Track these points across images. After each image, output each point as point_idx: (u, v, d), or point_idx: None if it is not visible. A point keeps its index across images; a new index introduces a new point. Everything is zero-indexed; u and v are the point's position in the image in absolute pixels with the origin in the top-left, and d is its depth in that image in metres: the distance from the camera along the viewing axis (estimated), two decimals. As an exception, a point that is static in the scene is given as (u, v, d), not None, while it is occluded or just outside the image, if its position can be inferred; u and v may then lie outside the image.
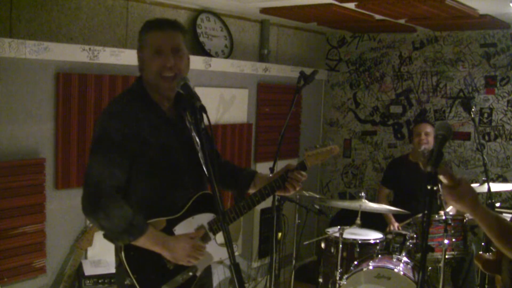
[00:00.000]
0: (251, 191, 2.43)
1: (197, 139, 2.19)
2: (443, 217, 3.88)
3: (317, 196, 4.52)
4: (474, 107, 4.21)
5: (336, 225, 4.27)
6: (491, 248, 3.55)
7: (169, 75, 2.18)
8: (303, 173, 2.37)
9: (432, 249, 1.78)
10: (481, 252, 2.03)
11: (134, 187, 2.19)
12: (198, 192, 2.29)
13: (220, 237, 2.29)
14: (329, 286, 4.06)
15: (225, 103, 4.51)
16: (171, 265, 2.20)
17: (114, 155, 2.12)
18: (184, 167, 2.26)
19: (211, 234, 2.29)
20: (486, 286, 3.78)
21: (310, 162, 2.39)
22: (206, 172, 2.15)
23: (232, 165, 2.59)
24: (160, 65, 2.17)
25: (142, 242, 2.13)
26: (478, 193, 4.65)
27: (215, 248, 2.30)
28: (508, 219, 4.03)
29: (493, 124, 4.98)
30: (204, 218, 2.28)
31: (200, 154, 2.23)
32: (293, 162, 5.22)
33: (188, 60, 2.29)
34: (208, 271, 2.39)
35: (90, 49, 3.38)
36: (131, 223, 2.09)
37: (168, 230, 2.20)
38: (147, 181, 2.19)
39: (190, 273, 2.24)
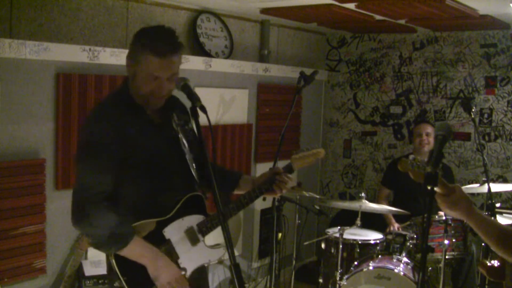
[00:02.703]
0: (236, 192, 2.47)
1: (184, 141, 2.21)
2: (443, 218, 3.88)
3: (317, 196, 4.52)
4: (474, 107, 4.20)
5: (336, 226, 4.26)
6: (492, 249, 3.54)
7: (161, 96, 2.19)
8: (290, 175, 2.43)
9: (432, 250, 1.78)
10: (488, 262, 2.03)
11: (122, 191, 2.17)
12: (188, 193, 2.29)
13: (209, 239, 2.30)
14: (329, 286, 4.06)
15: (225, 104, 4.51)
16: None
17: (101, 160, 2.10)
18: (172, 169, 2.26)
19: (200, 236, 2.29)
20: (486, 286, 3.78)
21: (297, 165, 2.46)
22: (193, 174, 2.21)
23: (217, 167, 2.58)
24: (154, 90, 2.15)
25: (128, 253, 2.10)
26: (478, 194, 4.68)
27: (204, 250, 2.30)
28: (509, 220, 4.04)
29: (493, 124, 4.98)
30: (194, 220, 2.29)
31: (187, 156, 2.24)
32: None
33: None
34: (201, 272, 2.38)
35: (90, 49, 3.38)
36: (114, 233, 2.07)
37: (158, 231, 2.21)
38: (136, 184, 2.19)
39: None
